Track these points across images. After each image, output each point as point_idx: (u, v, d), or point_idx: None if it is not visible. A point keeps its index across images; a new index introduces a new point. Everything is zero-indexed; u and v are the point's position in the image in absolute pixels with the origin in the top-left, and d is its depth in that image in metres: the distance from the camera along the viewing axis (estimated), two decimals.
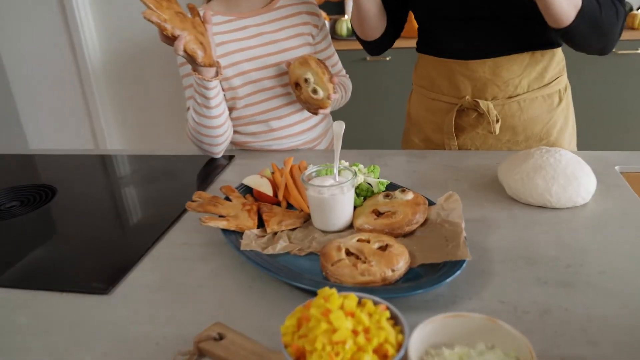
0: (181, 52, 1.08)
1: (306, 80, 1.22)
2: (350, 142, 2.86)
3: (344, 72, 1.47)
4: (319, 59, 1.25)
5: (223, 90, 1.28)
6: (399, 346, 0.60)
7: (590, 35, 1.08)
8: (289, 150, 1.39)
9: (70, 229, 1.07)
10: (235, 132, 1.37)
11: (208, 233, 0.99)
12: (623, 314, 0.72)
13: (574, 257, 0.84)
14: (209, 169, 1.28)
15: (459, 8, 1.19)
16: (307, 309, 0.64)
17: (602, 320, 0.71)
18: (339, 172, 0.96)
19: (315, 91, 1.23)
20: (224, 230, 0.92)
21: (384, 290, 0.76)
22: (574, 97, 1.36)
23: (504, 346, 0.61)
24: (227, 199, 1.02)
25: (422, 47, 1.34)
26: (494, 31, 1.19)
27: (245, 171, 1.25)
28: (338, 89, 1.31)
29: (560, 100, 1.29)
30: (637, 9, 2.81)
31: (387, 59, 2.85)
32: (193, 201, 0.99)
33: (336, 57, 1.45)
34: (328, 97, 1.24)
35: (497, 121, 1.24)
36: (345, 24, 2.97)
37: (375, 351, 0.59)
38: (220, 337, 0.71)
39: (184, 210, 1.06)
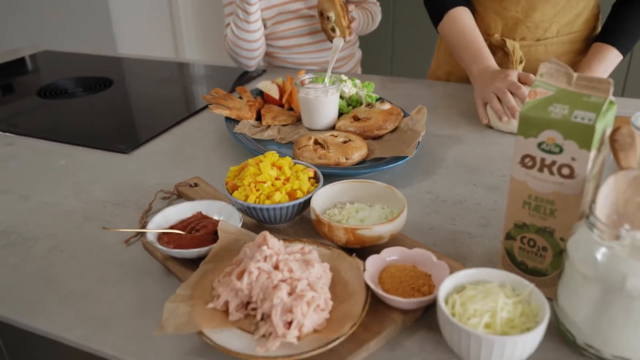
0: None
1: (328, 18, 1.37)
2: (378, 69, 2.92)
3: None
4: (344, 2, 1.37)
5: None
6: (309, 193, 0.76)
7: None
8: (312, 69, 1.54)
9: (116, 108, 1.33)
10: (266, 44, 1.53)
11: (222, 124, 1.18)
12: None
13: None
14: (242, 78, 1.46)
15: None
16: None
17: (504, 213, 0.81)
18: (332, 82, 1.10)
19: (333, 30, 1.38)
20: (227, 119, 1.11)
21: (333, 169, 0.91)
22: None
23: (395, 208, 0.74)
24: (240, 98, 1.20)
25: None
26: None
27: None
28: (363, 19, 1.45)
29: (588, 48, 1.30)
30: None
31: None
32: (211, 95, 1.18)
33: None
34: (343, 38, 1.38)
35: (521, 62, 1.27)
36: None
37: (289, 194, 0.76)
38: (195, 185, 0.91)
39: (208, 105, 1.26)
